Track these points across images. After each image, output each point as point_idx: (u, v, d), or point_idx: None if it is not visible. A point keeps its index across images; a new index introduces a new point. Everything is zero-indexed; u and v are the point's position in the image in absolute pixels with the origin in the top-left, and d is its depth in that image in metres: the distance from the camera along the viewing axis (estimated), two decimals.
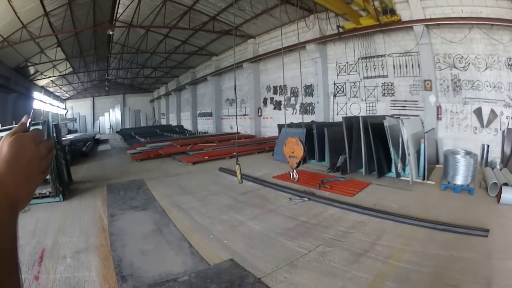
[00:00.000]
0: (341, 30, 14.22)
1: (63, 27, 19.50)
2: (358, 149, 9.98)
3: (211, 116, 29.49)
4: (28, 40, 18.76)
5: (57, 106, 42.67)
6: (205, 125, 31.78)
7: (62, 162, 10.32)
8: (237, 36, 21.71)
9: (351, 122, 10.28)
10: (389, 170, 9.81)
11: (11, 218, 0.76)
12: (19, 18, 17.29)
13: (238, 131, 24.39)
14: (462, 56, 11.66)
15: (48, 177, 8.45)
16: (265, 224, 6.61)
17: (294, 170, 7.99)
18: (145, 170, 13.29)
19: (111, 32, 21.70)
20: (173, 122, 42.00)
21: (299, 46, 12.59)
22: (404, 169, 9.37)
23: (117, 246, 5.79)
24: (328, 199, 7.80)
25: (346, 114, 15.08)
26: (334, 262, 4.75)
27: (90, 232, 6.53)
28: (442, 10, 11.62)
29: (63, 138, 16.73)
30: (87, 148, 21.23)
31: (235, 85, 9.16)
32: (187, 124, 36.25)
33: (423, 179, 9.06)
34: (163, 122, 47.68)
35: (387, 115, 11.98)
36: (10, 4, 15.70)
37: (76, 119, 20.04)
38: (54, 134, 10.43)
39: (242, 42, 23.08)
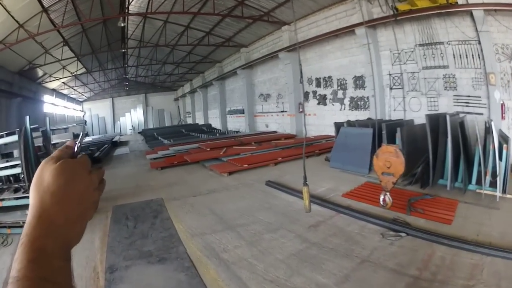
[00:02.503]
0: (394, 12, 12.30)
1: (64, 23, 17.71)
2: (442, 156, 8.17)
3: (243, 113, 26.94)
4: (26, 38, 16.81)
5: (73, 109, 41.88)
6: (236, 123, 29.34)
7: None
8: (269, 23, 19.53)
9: (436, 122, 8.32)
10: (469, 181, 8.02)
11: (67, 263, 0.69)
12: (13, 17, 15.50)
13: (276, 130, 21.80)
14: None
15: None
16: None
17: (388, 193, 6.10)
18: (166, 184, 10.47)
19: (122, 24, 19.72)
20: (200, 120, 39.56)
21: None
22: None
23: None
24: (427, 231, 5.50)
25: (405, 110, 13.14)
26: None
27: None
28: None
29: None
30: (101, 152, 18.81)
31: (300, 65, 6.14)
32: (215, 123, 33.91)
33: (503, 192, 7.28)
34: (189, 121, 45.52)
35: (454, 113, 10.30)
36: (0, 4, 13.89)
37: (86, 122, 17.79)
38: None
39: (275, 30, 20.77)
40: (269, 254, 5.10)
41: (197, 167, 13.04)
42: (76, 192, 0.73)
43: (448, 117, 7.83)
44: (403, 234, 5.42)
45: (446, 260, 4.70)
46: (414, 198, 7.12)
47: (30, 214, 0.70)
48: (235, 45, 25.38)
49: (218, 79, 31.34)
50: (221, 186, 9.69)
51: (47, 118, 8.72)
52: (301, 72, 6.45)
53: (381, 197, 6.14)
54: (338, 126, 12.11)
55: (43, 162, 0.74)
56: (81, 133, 0.91)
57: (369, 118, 13.32)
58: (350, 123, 11.94)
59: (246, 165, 11.50)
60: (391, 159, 5.96)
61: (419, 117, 11.03)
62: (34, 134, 8.96)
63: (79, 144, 0.82)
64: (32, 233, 0.66)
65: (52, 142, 13.76)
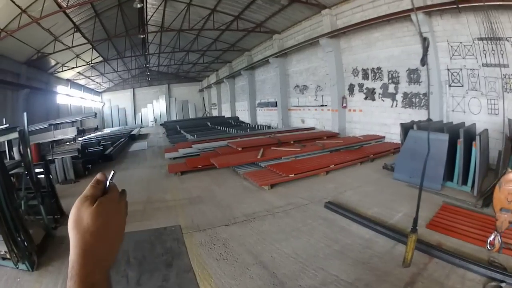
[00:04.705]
0: None
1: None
2: None
3: (275, 106, 24.71)
4: (30, 23, 15.29)
5: (91, 100, 40.97)
6: (267, 117, 27.23)
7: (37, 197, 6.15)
8: (307, 5, 17.09)
9: None
10: None
11: (105, 278, 0.79)
12: (14, 2, 14.16)
13: (314, 127, 19.80)
14: None
15: None
16: None
17: (499, 235, 4.70)
18: (187, 199, 8.11)
19: (139, 5, 18.05)
20: (226, 113, 37.82)
21: None
22: None
23: None
24: None
25: (464, 111, 11.62)
26: None
27: None
28: None
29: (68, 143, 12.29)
30: (114, 148, 16.72)
31: (427, 39, 4.13)
32: (243, 116, 32.19)
33: None
34: (215, 113, 43.87)
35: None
36: None
37: (95, 114, 16.12)
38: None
39: (313, 15, 18.37)
40: None
41: (227, 173, 10.67)
42: (113, 228, 0.82)
43: None
44: (503, 285, 4.19)
45: None
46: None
47: (74, 252, 0.77)
48: (267, 31, 23.02)
49: (247, 68, 29.25)
50: (263, 207, 7.16)
51: (25, 114, 6.48)
52: (426, 48, 4.39)
53: (490, 239, 4.77)
54: (405, 128, 9.80)
55: (78, 202, 0.80)
56: (112, 172, 0.91)
57: (429, 119, 11.20)
58: (420, 126, 9.66)
59: (293, 175, 8.96)
60: None
61: (479, 121, 9.81)
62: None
63: (111, 181, 0.87)
64: (81, 271, 0.74)
65: (54, 139, 11.80)
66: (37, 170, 6.89)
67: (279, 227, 6.02)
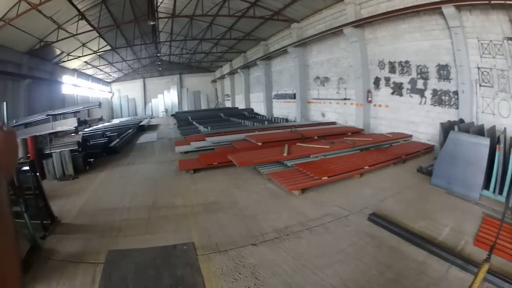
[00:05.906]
0: None
1: None
2: None
3: (293, 98, 23.73)
4: (28, 10, 14.44)
5: (100, 90, 39.89)
6: (284, 110, 26.22)
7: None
8: None
9: None
10: None
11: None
12: None
13: (335, 121, 18.82)
14: None
15: None
16: None
17: None
18: (202, 206, 6.94)
19: None
20: (240, 104, 36.88)
21: None
22: None
23: None
24: None
25: (493, 114, 11.01)
26: None
27: None
28: None
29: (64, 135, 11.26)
30: (121, 140, 15.76)
31: None
32: (258, 108, 31.23)
33: None
34: (228, 104, 43.10)
35: None
36: None
37: (100, 104, 15.20)
38: None
39: (335, 3, 17.31)
40: None
41: (247, 172, 9.49)
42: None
43: None
44: None
45: None
46: None
47: None
48: (285, 20, 21.91)
49: (263, 59, 28.27)
50: (297, 219, 5.91)
51: (4, 104, 5.42)
52: None
53: None
54: (446, 128, 9.11)
55: None
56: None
57: (461, 120, 10.87)
58: (461, 127, 8.94)
59: (326, 178, 7.71)
60: None
61: (507, 125, 9.29)
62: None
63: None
64: None
65: (52, 131, 10.76)
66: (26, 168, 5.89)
67: (319, 247, 4.84)
